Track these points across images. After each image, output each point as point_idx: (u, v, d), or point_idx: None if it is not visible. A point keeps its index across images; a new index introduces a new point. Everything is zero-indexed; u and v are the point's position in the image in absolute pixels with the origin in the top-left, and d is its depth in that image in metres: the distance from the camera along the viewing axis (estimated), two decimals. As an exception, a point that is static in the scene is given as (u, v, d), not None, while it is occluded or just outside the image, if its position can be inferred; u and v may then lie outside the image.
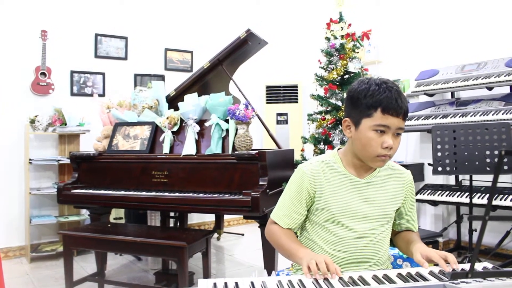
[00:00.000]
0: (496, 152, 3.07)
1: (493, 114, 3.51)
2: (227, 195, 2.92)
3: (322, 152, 2.61)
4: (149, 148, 3.34)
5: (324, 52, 2.66)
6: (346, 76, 2.69)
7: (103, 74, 4.83)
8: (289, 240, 1.54)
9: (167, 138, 3.27)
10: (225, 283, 1.23)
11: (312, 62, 4.38)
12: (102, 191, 3.33)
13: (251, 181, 2.93)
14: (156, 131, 3.40)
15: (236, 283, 1.23)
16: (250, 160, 2.93)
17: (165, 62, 5.27)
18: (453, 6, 4.19)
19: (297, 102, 5.51)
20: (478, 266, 1.33)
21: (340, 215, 1.52)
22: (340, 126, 2.62)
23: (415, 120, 3.96)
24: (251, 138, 3.04)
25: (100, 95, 4.71)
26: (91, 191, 3.38)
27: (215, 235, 4.90)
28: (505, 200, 3.45)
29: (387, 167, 1.60)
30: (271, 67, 5.83)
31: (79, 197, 3.37)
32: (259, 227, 3.05)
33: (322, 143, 2.60)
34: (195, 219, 5.16)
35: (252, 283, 1.24)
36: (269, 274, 1.47)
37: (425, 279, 1.26)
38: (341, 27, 2.56)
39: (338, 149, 1.65)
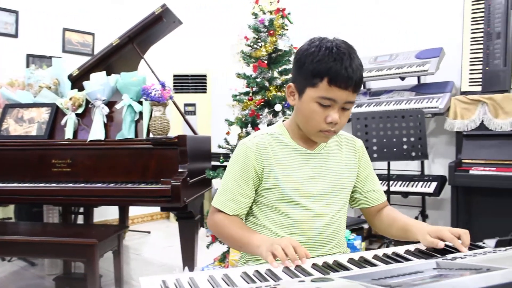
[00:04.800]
0: (412, 139, 3.16)
1: (405, 104, 3.62)
2: (142, 185, 2.61)
3: (249, 135, 2.44)
4: (48, 133, 2.89)
5: (252, 28, 2.48)
6: (274, 55, 2.54)
7: (-14, 52, 4.18)
8: (238, 228, 1.32)
9: (70, 121, 2.85)
10: (177, 280, 0.99)
11: (222, 52, 4.17)
12: (-13, 184, 2.81)
13: (169, 168, 2.65)
14: (57, 114, 2.96)
15: (191, 279, 0.99)
16: (167, 145, 2.66)
17: (63, 44, 4.72)
18: (365, 2, 4.28)
19: (205, 92, 5.29)
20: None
21: (293, 193, 1.34)
22: (268, 107, 2.46)
23: (331, 109, 3.96)
24: (168, 121, 2.76)
25: (-17, 77, 4.06)
26: (-28, 184, 2.84)
27: (121, 233, 4.48)
28: (416, 186, 3.59)
29: (334, 137, 1.45)
30: (179, 55, 5.54)
31: (-44, 191, 2.81)
32: (177, 220, 2.79)
33: (250, 126, 2.42)
34: (96, 216, 4.68)
35: (211, 277, 1.01)
36: (191, 271, 1.24)
37: (406, 259, 1.11)
38: (270, 2, 2.40)
39: (283, 120, 1.47)
